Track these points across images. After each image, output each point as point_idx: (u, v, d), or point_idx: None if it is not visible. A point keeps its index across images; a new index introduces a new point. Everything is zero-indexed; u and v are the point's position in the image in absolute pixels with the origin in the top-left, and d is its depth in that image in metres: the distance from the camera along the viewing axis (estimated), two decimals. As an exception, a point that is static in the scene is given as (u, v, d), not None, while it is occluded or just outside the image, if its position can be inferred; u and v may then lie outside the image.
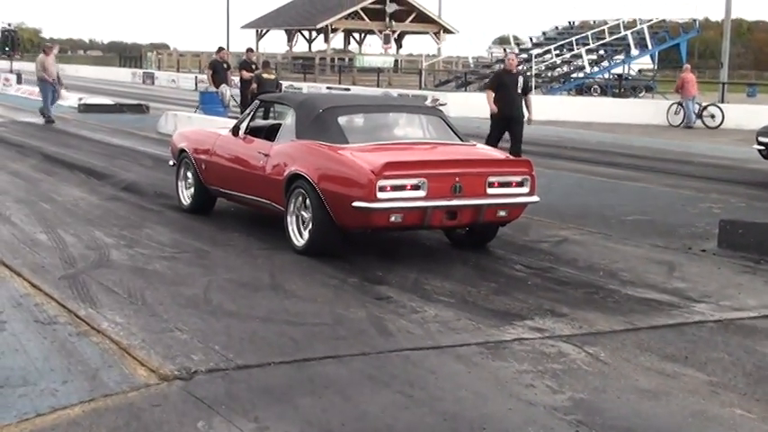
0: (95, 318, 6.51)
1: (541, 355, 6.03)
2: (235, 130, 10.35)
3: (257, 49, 67.59)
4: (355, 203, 8.19)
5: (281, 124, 9.87)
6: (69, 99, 29.89)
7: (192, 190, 10.95)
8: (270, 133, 9.90)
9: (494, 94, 15.54)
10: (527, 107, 15.74)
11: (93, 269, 8.02)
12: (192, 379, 5.37)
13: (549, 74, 43.92)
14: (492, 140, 15.33)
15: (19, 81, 38.92)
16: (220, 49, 25.41)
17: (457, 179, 8.44)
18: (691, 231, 10.72)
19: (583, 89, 42.60)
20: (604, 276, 8.37)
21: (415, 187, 8.31)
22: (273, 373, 5.53)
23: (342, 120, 9.36)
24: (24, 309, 6.77)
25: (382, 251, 9.10)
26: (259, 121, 10.58)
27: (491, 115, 15.59)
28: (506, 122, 15.51)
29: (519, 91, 15.53)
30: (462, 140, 9.59)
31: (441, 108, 24.23)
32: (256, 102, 10.91)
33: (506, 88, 15.51)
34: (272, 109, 11.07)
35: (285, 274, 8.08)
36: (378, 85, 44.89)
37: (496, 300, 7.41)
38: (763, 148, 16.25)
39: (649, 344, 6.34)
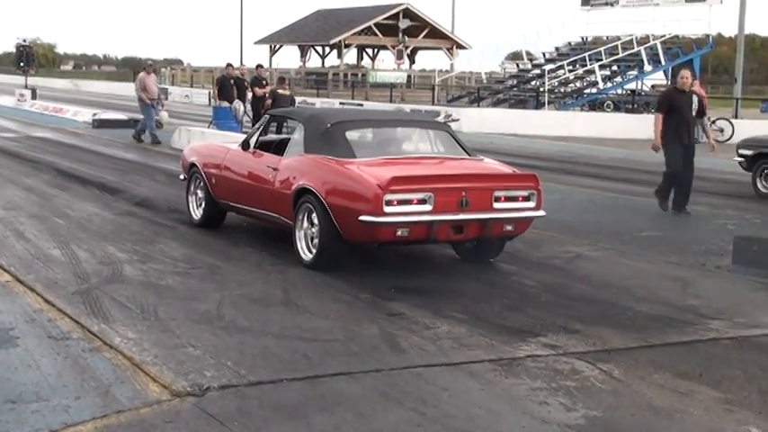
0: (108, 333, 6.52)
1: (555, 372, 6.00)
2: (244, 145, 10.41)
3: (270, 64, 67.87)
4: (362, 217, 8.23)
5: (289, 139, 9.92)
6: (87, 115, 29.98)
7: (203, 204, 11.00)
8: (279, 148, 9.96)
9: (662, 118, 13.36)
10: (704, 131, 13.93)
11: (106, 284, 8.04)
12: (204, 395, 5.36)
13: (563, 89, 43.92)
14: (675, 170, 13.29)
15: (33, 96, 39.13)
16: (229, 65, 25.47)
17: (463, 193, 8.49)
18: (705, 248, 10.68)
19: (596, 105, 42.57)
20: (618, 293, 8.33)
21: (422, 201, 8.36)
22: (286, 390, 5.52)
23: (349, 134, 9.41)
24: (37, 324, 6.78)
25: (395, 267, 9.09)
26: (268, 136, 10.64)
27: (663, 144, 13.36)
28: (684, 149, 13.33)
29: (693, 113, 13.44)
30: (470, 155, 9.65)
31: (453, 123, 24.24)
32: (266, 116, 11.01)
33: (680, 111, 13.32)
34: (281, 123, 11.13)
35: (298, 289, 8.07)
36: (390, 101, 44.91)
37: (509, 316, 7.38)
38: (743, 160, 16.73)
39: (663, 361, 6.30)
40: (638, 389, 5.73)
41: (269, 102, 20.98)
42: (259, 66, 25.60)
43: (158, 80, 24.00)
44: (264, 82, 23.94)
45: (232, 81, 24.16)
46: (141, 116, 23.91)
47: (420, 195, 8.36)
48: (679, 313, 7.64)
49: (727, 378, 5.99)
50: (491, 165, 9.60)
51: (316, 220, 8.72)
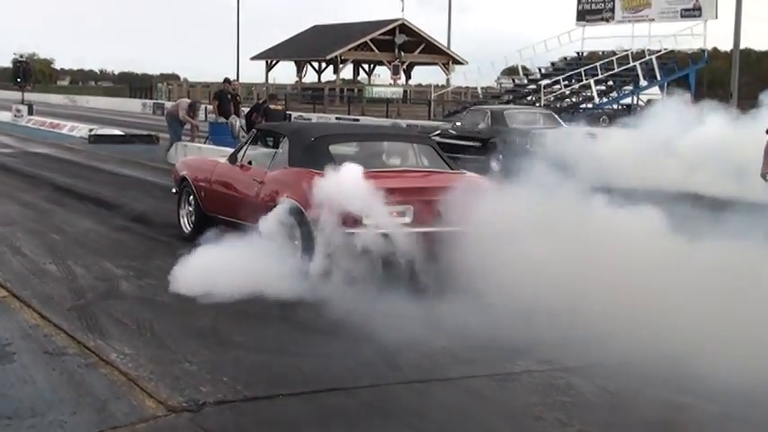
0: (104, 349, 6.52)
1: (550, 388, 6.00)
2: (232, 159, 10.51)
3: (266, 80, 67.96)
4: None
5: (275, 152, 10.01)
6: (81, 130, 30.00)
7: (193, 217, 11.08)
8: (265, 161, 10.06)
9: None
10: None
11: (102, 300, 8.04)
12: (200, 411, 5.36)
13: (558, 104, 43.98)
14: None
15: (30, 112, 39.11)
16: (226, 80, 25.40)
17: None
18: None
19: (591, 119, 42.61)
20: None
21: (401, 214, 8.50)
22: (282, 405, 5.53)
23: (333, 148, 9.55)
24: (33, 340, 6.78)
25: (390, 282, 9.07)
26: (255, 150, 10.74)
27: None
28: None
29: None
30: (452, 169, 9.77)
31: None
32: (254, 130, 11.23)
33: None
34: (267, 138, 11.23)
35: (294, 305, 8.06)
36: (387, 116, 44.96)
37: (505, 331, 7.36)
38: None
39: (658, 375, 6.28)
40: (634, 404, 5.73)
41: (260, 119, 20.89)
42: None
43: (190, 114, 23.66)
44: (229, 96, 23.82)
45: (230, 96, 24.11)
46: (134, 131, 23.62)
47: (399, 208, 8.50)
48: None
49: (723, 392, 5.97)
50: (472, 178, 9.69)
51: (299, 233, 8.77)
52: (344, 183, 8.58)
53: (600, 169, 8.72)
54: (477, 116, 22.84)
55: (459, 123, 23.68)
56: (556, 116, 22.91)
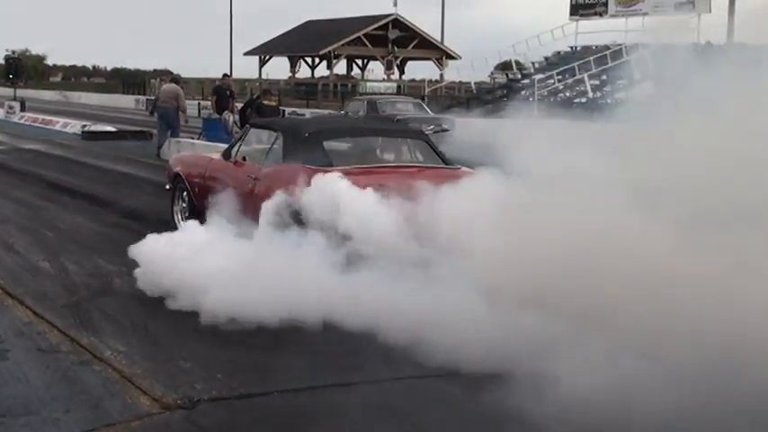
0: (98, 346, 6.48)
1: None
2: (226, 154, 10.48)
3: (260, 75, 67.87)
4: None
5: (269, 148, 9.98)
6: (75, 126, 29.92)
7: (187, 214, 11.05)
8: (259, 157, 10.04)
9: None
10: None
11: (95, 297, 8.00)
12: (194, 408, 5.33)
13: (552, 99, 43.98)
14: None
15: (23, 108, 39.00)
16: (225, 75, 25.41)
17: None
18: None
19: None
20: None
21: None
22: (277, 402, 5.50)
23: (327, 143, 9.53)
24: (27, 337, 6.75)
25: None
26: (249, 146, 10.72)
27: None
28: None
29: None
30: (447, 164, 9.72)
31: (444, 133, 24.39)
32: (247, 126, 11.23)
33: None
34: (261, 133, 11.22)
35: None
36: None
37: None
38: None
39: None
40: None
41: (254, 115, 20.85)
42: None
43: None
44: (228, 92, 23.86)
45: (228, 91, 24.05)
46: (127, 127, 23.44)
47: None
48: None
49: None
50: (467, 174, 9.65)
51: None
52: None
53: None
54: (358, 104, 27.57)
55: (343, 111, 28.10)
56: (424, 106, 28.91)
